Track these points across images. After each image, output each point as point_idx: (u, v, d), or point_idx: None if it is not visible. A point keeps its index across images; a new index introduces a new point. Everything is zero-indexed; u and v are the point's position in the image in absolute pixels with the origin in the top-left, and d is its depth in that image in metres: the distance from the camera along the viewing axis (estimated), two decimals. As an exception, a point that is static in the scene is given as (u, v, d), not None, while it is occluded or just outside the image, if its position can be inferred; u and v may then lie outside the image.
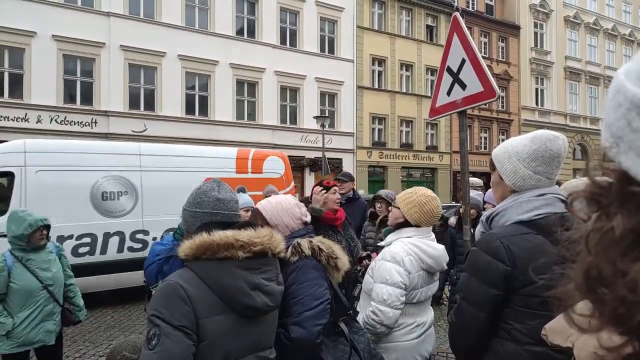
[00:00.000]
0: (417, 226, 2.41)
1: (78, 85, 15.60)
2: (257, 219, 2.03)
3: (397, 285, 2.25)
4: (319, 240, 1.97)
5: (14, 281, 3.12)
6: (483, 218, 1.70)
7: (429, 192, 2.46)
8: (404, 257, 2.29)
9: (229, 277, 1.44)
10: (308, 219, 2.10)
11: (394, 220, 2.51)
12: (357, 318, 2.15)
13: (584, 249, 0.50)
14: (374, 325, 2.26)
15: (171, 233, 2.87)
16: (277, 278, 1.58)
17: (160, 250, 2.69)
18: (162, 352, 1.30)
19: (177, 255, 2.61)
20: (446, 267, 2.47)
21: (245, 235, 1.48)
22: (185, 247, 1.47)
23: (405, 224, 2.43)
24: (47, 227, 3.29)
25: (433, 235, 2.50)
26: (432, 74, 23.10)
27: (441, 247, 2.41)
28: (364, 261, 3.18)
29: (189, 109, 17.42)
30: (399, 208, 2.46)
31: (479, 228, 1.73)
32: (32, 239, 3.19)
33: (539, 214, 1.50)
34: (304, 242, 1.91)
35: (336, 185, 3.56)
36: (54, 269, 3.37)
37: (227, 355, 1.43)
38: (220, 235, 1.45)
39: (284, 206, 2.03)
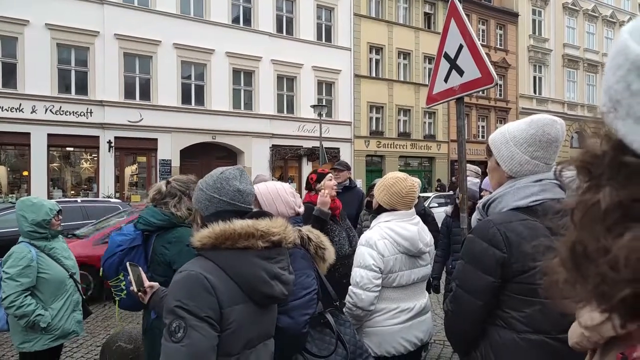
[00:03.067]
0: (393, 210, 2.41)
1: (73, 74, 15.47)
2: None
3: (369, 268, 2.28)
4: (307, 230, 1.97)
5: (45, 271, 2.95)
6: (479, 205, 1.68)
7: (400, 174, 2.48)
8: (377, 240, 2.32)
9: (250, 267, 1.43)
10: (301, 210, 2.11)
11: (374, 208, 2.57)
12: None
13: (570, 223, 0.48)
14: (350, 307, 2.31)
15: (131, 224, 2.71)
16: (289, 267, 1.59)
17: (122, 240, 2.51)
18: (190, 345, 1.28)
19: (139, 244, 2.51)
20: (425, 250, 2.43)
21: (264, 224, 1.48)
22: (203, 236, 1.42)
23: (382, 209, 2.46)
24: (60, 212, 3.14)
25: (417, 219, 2.47)
26: (429, 62, 22.97)
27: (414, 228, 2.38)
28: None
29: (185, 98, 17.31)
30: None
31: (476, 215, 1.71)
32: (51, 225, 3.04)
33: (537, 200, 1.47)
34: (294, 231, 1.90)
35: (330, 173, 3.46)
36: (72, 256, 3.25)
37: (247, 343, 1.45)
38: (241, 225, 1.43)
39: (279, 193, 2.05)
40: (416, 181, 2.59)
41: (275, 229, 1.49)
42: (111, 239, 2.59)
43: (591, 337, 0.50)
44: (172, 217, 2.44)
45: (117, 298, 2.50)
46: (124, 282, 2.40)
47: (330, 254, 1.99)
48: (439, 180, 23.01)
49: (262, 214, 1.57)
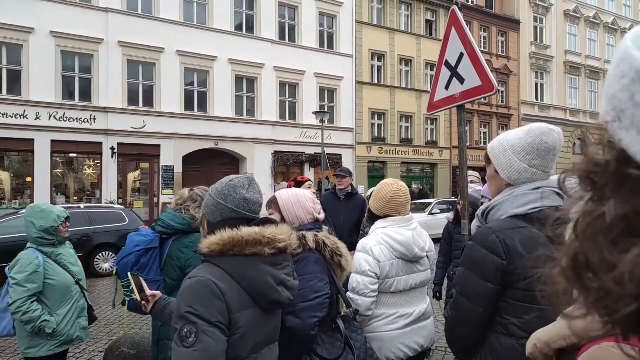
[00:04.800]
0: (387, 216, 2.44)
1: (76, 81, 15.56)
2: (271, 206, 2.07)
3: (365, 273, 2.30)
4: (324, 235, 1.98)
5: (51, 277, 2.98)
6: (479, 212, 1.70)
7: (388, 180, 2.52)
8: (373, 246, 2.34)
9: (258, 273, 1.46)
10: (321, 216, 2.12)
11: (367, 214, 2.62)
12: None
13: (572, 233, 0.47)
14: (348, 313, 2.31)
15: (144, 226, 2.72)
16: (293, 273, 1.62)
17: (140, 241, 2.53)
18: (202, 349, 1.30)
19: (156, 246, 2.52)
20: (422, 255, 2.43)
21: (270, 231, 1.50)
22: (212, 243, 1.45)
23: (375, 216, 2.50)
24: (68, 219, 3.18)
25: (415, 224, 2.48)
26: (431, 69, 23.01)
27: (409, 233, 2.39)
28: None
29: (188, 105, 17.38)
30: None
31: (475, 222, 1.73)
32: (59, 232, 3.08)
33: (535, 208, 1.49)
34: (309, 235, 1.93)
35: (310, 182, 3.38)
36: (79, 263, 3.29)
37: (255, 347, 1.47)
38: (249, 232, 1.46)
39: (299, 199, 2.07)
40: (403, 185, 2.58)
41: (281, 235, 1.52)
42: (129, 238, 2.61)
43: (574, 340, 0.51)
44: (192, 221, 2.48)
45: (127, 299, 2.53)
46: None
47: (348, 261, 2.01)
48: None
49: (267, 221, 1.59)
